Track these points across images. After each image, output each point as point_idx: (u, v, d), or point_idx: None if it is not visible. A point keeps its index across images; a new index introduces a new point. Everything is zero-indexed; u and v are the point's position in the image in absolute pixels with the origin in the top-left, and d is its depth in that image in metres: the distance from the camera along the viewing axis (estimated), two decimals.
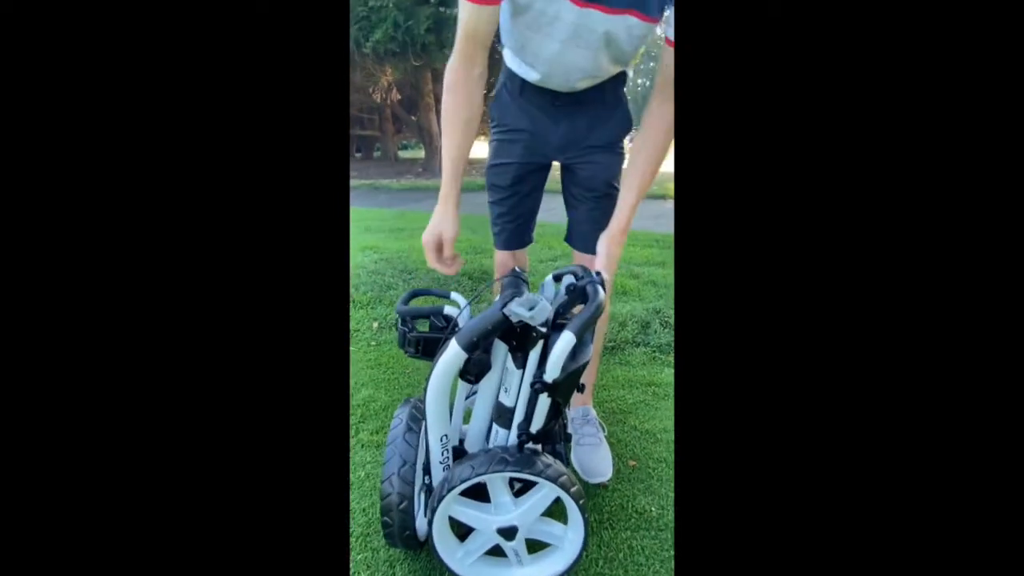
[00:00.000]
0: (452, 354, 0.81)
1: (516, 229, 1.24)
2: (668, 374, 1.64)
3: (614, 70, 1.04)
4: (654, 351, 1.78)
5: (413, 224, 4.06)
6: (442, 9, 6.60)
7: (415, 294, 1.04)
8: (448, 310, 0.92)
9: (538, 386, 0.79)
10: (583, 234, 1.19)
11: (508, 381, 0.86)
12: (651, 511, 1.08)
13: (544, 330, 0.79)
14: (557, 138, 1.11)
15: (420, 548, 0.93)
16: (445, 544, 0.88)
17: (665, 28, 0.92)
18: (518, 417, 0.85)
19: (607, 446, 1.24)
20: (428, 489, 0.91)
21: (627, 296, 2.31)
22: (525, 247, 1.29)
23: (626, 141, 1.18)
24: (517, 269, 0.94)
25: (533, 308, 0.75)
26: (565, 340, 0.73)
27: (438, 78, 8.62)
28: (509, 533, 0.87)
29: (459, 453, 0.97)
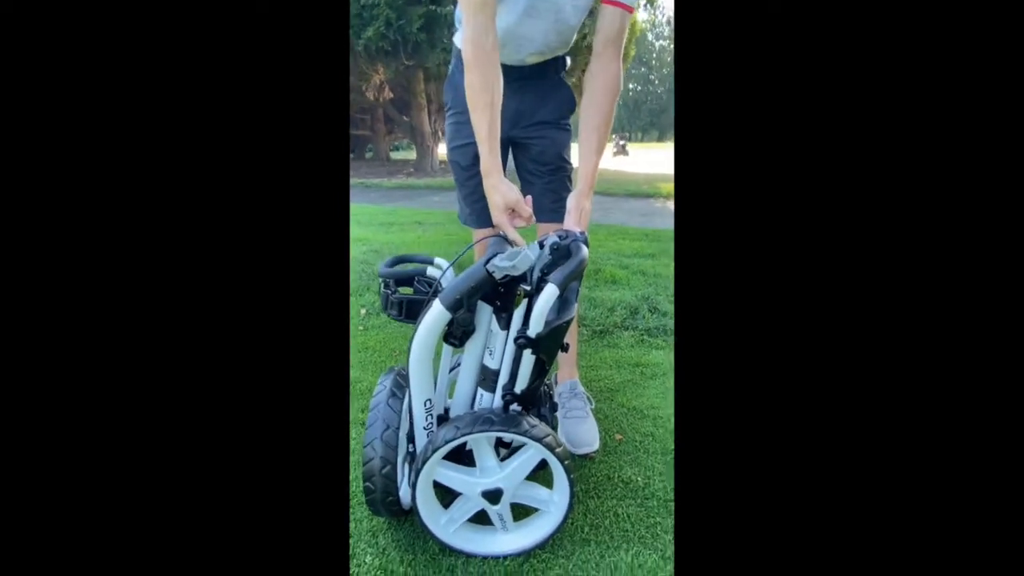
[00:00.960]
0: (435, 314, 0.80)
1: (485, 207, 1.25)
2: (657, 355, 1.65)
3: (559, 49, 1.12)
4: (642, 334, 1.79)
5: (404, 219, 4.06)
6: (434, 8, 6.61)
7: (399, 260, 1.04)
8: (431, 271, 0.92)
9: (522, 341, 0.78)
10: (543, 205, 1.24)
11: (492, 343, 0.85)
12: (637, 480, 1.08)
13: (528, 288, 0.79)
14: (509, 113, 1.14)
15: (404, 516, 0.92)
16: (429, 510, 0.87)
17: None
18: (503, 379, 0.85)
19: (594, 419, 1.24)
20: (412, 457, 0.90)
21: (616, 284, 2.32)
22: None
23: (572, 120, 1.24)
24: (500, 232, 0.94)
25: (515, 260, 0.75)
26: (548, 292, 0.73)
27: (430, 78, 8.62)
28: (494, 496, 0.86)
29: (444, 421, 0.96)
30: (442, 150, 10.05)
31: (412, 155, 11.37)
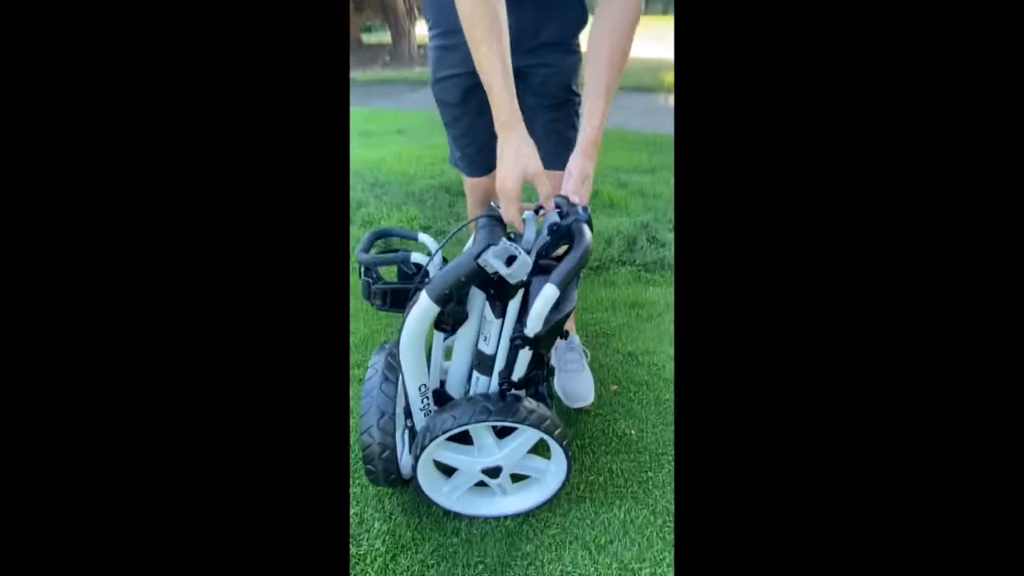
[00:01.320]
0: (423, 307, 0.75)
1: (480, 151, 1.10)
2: (653, 293, 1.63)
3: None
4: (639, 270, 1.75)
5: (383, 126, 3.75)
6: None
7: (377, 236, 0.95)
8: (416, 257, 0.85)
9: (519, 342, 0.75)
10: (544, 150, 1.04)
11: (487, 330, 0.82)
12: (630, 434, 1.12)
13: (524, 279, 0.73)
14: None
15: (406, 485, 0.96)
16: (431, 483, 0.90)
17: None
18: (499, 365, 0.83)
19: (589, 372, 1.25)
20: (411, 431, 0.91)
21: (614, 209, 2.23)
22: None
23: (581, 38, 1.01)
24: (493, 205, 0.85)
25: (511, 262, 0.68)
26: (548, 294, 0.68)
27: None
28: (493, 472, 0.89)
29: (440, 396, 0.96)
30: (421, 31, 9.05)
31: (386, 37, 10.20)
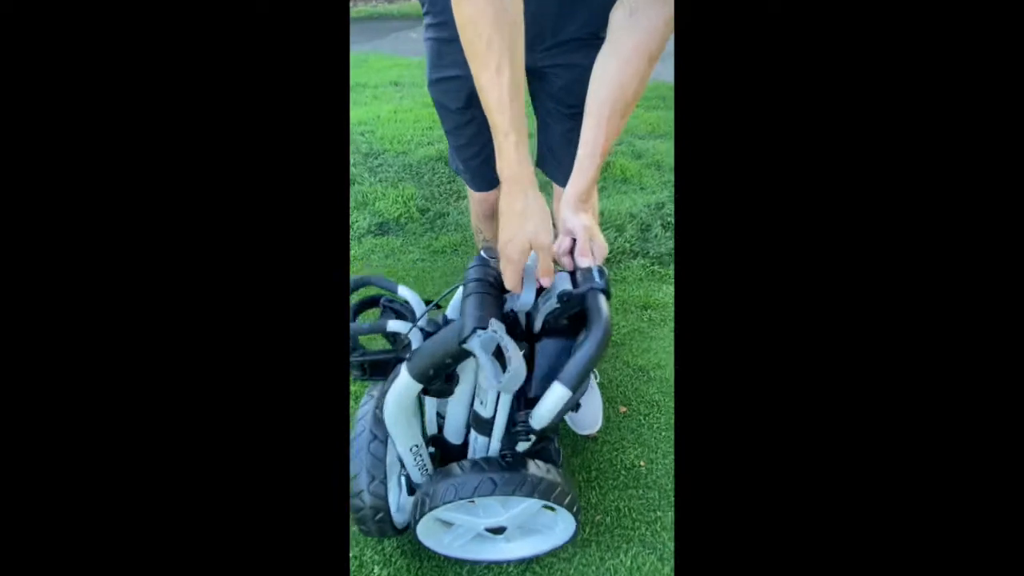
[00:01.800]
0: (404, 385, 0.67)
1: (485, 163, 0.96)
2: (666, 293, 1.53)
3: None
4: (653, 263, 1.63)
5: (377, 77, 3.44)
6: None
7: (356, 283, 0.83)
8: (392, 325, 0.74)
9: (521, 431, 0.67)
10: (561, 161, 0.92)
11: (483, 395, 0.73)
12: (639, 466, 1.07)
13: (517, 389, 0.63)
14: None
15: (402, 534, 0.92)
16: (431, 536, 0.86)
17: None
18: (498, 431, 0.76)
19: (598, 394, 1.18)
20: (408, 480, 0.86)
21: (627, 184, 2.06)
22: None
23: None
24: (484, 254, 0.73)
25: (505, 369, 0.57)
26: (557, 395, 0.59)
27: None
28: (498, 531, 0.85)
29: (439, 442, 0.90)
30: None
31: None
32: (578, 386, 0.58)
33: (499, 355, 0.58)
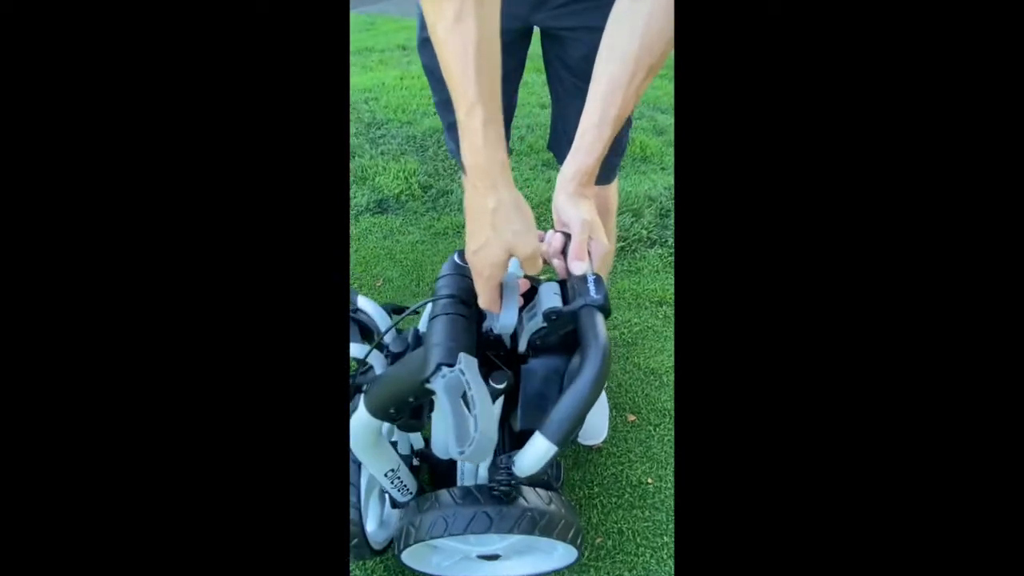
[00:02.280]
0: (362, 423, 0.58)
1: None
2: None
3: None
4: (671, 253, 1.50)
5: (384, 41, 3.23)
6: None
7: None
8: (355, 351, 0.62)
9: (503, 482, 0.57)
10: (565, 133, 0.79)
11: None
12: (647, 483, 0.99)
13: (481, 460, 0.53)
14: None
15: (381, 555, 0.84)
16: (419, 561, 0.79)
17: None
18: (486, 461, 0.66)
19: (606, 402, 1.09)
20: (390, 497, 0.78)
21: (647, 163, 1.91)
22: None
23: None
24: (457, 259, 0.60)
25: (468, 447, 0.46)
26: (539, 450, 0.48)
27: None
28: (491, 558, 0.77)
29: (425, 456, 0.82)
30: None
31: None
32: (565, 440, 0.47)
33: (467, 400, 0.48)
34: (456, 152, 0.92)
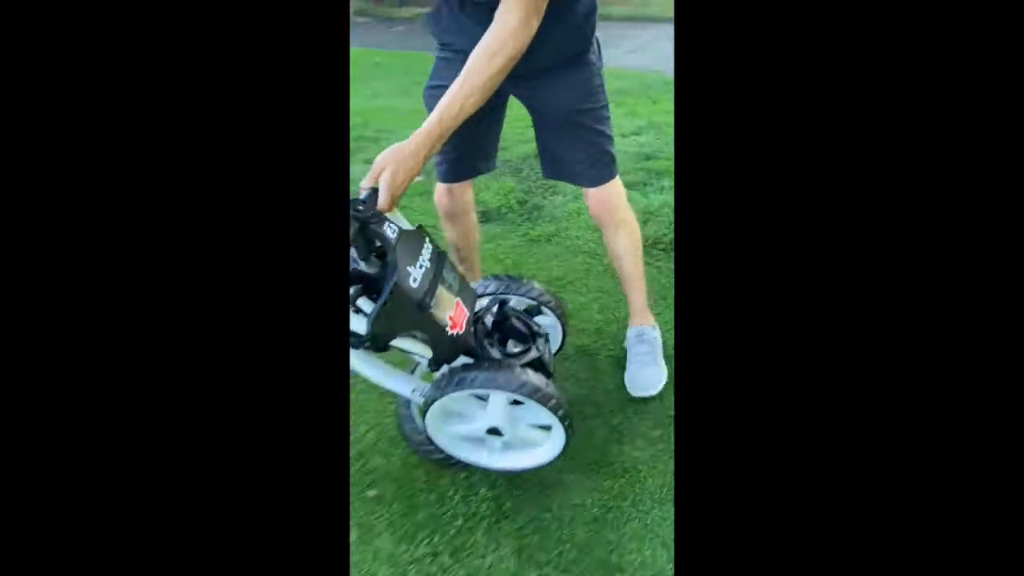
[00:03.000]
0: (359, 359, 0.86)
1: (459, 159, 1.16)
2: None
3: None
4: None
5: (356, 64, 3.17)
6: None
7: None
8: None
9: (355, 342, 0.77)
10: (554, 160, 1.11)
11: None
12: (650, 508, 1.02)
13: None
14: None
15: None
16: (437, 429, 0.96)
17: None
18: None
19: (663, 366, 1.22)
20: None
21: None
22: (472, 178, 1.19)
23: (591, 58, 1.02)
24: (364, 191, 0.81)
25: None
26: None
27: None
28: (495, 432, 0.95)
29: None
30: None
31: None
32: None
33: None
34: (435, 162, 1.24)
